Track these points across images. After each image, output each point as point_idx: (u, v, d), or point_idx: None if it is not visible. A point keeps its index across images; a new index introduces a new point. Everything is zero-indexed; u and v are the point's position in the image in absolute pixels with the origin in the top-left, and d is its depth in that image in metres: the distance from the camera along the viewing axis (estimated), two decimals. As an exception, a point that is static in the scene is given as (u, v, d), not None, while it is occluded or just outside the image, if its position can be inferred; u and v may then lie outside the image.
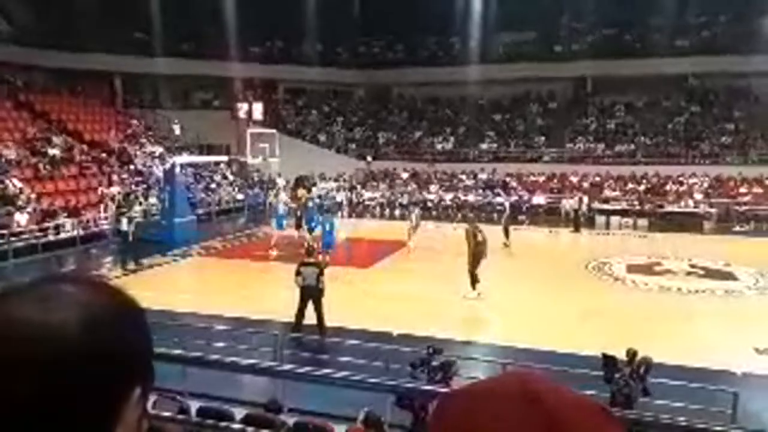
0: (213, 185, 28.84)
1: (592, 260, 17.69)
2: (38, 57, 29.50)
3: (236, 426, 4.29)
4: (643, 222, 25.08)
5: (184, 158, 25.05)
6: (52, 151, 24.25)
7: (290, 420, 6.00)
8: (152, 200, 23.89)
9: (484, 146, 33.53)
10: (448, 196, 29.03)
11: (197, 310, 12.42)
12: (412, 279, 15.49)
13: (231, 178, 30.43)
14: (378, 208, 29.05)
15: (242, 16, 31.99)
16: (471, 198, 28.63)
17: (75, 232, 20.01)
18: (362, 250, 17.67)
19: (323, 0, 33.53)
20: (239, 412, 5.75)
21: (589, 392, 6.90)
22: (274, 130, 26.40)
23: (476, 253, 13.55)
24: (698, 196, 26.52)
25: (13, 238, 18.27)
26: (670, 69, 32.04)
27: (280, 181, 30.64)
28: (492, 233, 17.78)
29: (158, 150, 28.64)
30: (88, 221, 20.90)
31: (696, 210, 25.62)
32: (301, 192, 22.77)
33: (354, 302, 13.01)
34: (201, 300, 13.45)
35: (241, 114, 29.72)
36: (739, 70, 30.60)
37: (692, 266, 16.93)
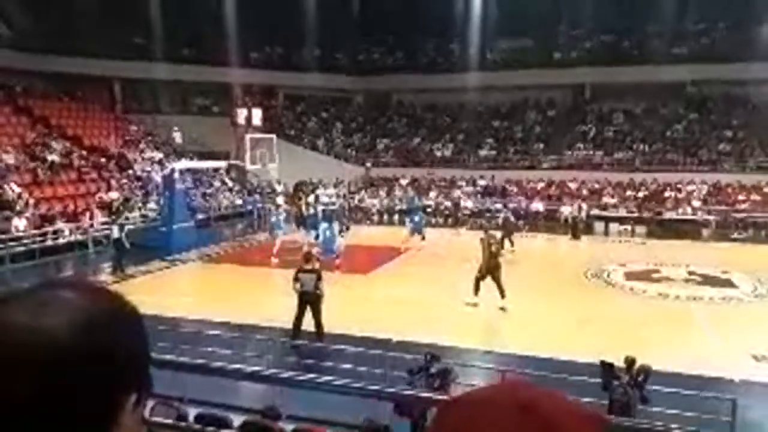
0: (212, 191, 28.85)
1: (591, 267, 17.69)
2: (38, 62, 29.54)
3: (234, 433, 4.28)
4: (641, 229, 25.11)
5: (183, 164, 25.07)
6: (51, 157, 24.26)
7: (288, 427, 5.99)
8: (151, 205, 23.90)
9: (482, 153, 33.59)
10: (447, 202, 29.11)
11: (195, 316, 12.39)
12: (412, 285, 15.48)
13: (230, 183, 30.44)
14: (377, 215, 29.07)
15: (242, 22, 32.10)
16: (470, 204, 28.67)
17: (73, 237, 20.00)
18: (362, 256, 17.66)
19: (323, 6, 33.64)
20: (237, 419, 5.74)
21: (587, 400, 6.93)
22: (273, 136, 26.44)
23: (489, 264, 13.43)
24: (696, 204, 26.55)
25: (11, 243, 18.26)
26: (669, 76, 32.17)
27: (279, 187, 30.67)
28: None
29: (157, 155, 28.66)
30: (86, 227, 20.86)
31: (694, 217, 25.65)
32: (309, 198, 22.83)
33: (353, 308, 12.99)
34: (199, 306, 13.43)
35: (241, 120, 29.79)
36: (737, 77, 30.73)
37: (690, 273, 16.92)
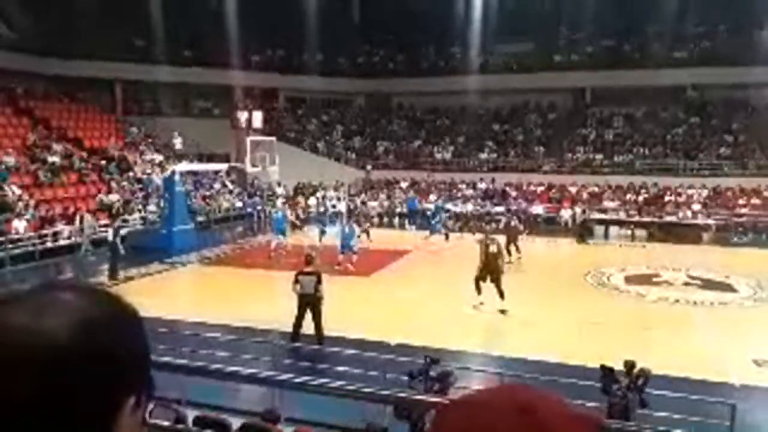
0: (212, 193, 28.88)
1: (591, 271, 17.69)
2: (38, 64, 29.62)
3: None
4: (641, 233, 25.11)
5: (184, 166, 25.09)
6: (51, 158, 24.29)
7: (287, 429, 5.98)
8: (151, 208, 23.92)
9: (483, 156, 33.62)
10: (449, 205, 29.13)
11: (195, 318, 12.40)
12: (412, 288, 15.49)
13: (230, 186, 30.47)
14: (377, 218, 29.08)
15: (243, 25, 32.15)
16: (470, 207, 28.68)
17: (72, 240, 20.00)
18: (363, 259, 17.66)
19: (324, 9, 33.71)
20: (236, 422, 5.73)
21: (586, 403, 6.91)
22: (273, 138, 26.45)
23: (487, 265, 13.50)
24: (697, 207, 26.55)
25: (11, 245, 18.28)
26: (669, 80, 32.25)
27: (280, 190, 30.72)
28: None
29: (158, 158, 28.69)
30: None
31: (694, 221, 25.66)
32: (310, 200, 23.05)
33: (353, 311, 13.00)
34: (199, 308, 13.43)
35: (241, 122, 29.82)
36: (737, 81, 30.77)
37: (690, 277, 16.92)
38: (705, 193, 27.98)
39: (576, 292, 15.51)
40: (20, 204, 20.24)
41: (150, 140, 30.98)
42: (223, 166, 28.64)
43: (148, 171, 27.16)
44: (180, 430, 5.29)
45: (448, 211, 25.97)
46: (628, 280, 16.81)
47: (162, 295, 14.87)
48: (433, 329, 11.77)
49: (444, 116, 37.35)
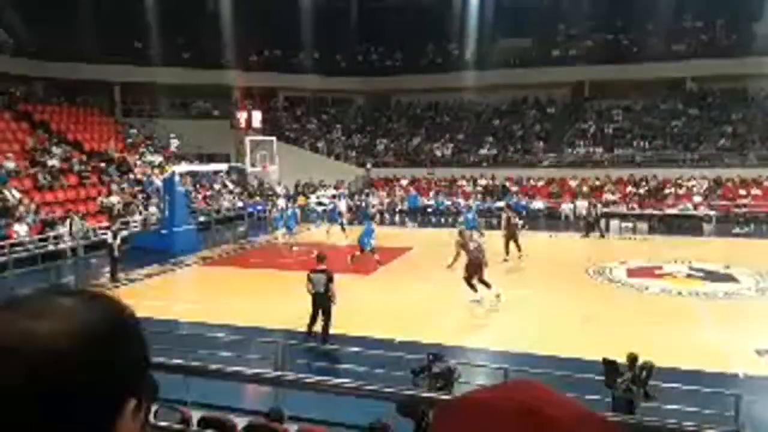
0: (213, 193, 28.86)
1: (593, 264, 17.67)
2: (38, 68, 29.59)
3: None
4: (642, 225, 25.07)
5: (184, 167, 25.06)
6: (51, 162, 24.27)
7: (292, 428, 5.98)
8: (152, 209, 23.91)
9: (483, 152, 33.57)
10: (448, 202, 29.15)
11: (196, 319, 12.40)
12: (414, 285, 15.48)
13: (230, 186, 30.45)
14: (378, 215, 29.05)
15: (241, 25, 32.10)
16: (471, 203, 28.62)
17: (74, 243, 19.98)
18: (364, 257, 17.63)
19: (322, 9, 33.65)
20: (241, 422, 5.74)
21: (590, 397, 6.90)
22: (273, 138, 26.43)
23: (472, 260, 13.54)
24: (697, 199, 26.52)
25: (16, 248, 18.28)
26: (668, 73, 32.19)
27: (280, 189, 30.70)
28: (496, 239, 17.91)
29: (158, 159, 28.67)
30: (88, 231, 20.83)
31: (695, 212, 25.63)
32: (310, 198, 23.26)
33: (356, 309, 12.98)
34: (200, 309, 13.42)
35: (241, 122, 29.79)
36: (735, 72, 30.71)
37: (692, 269, 16.90)
38: (705, 184, 27.94)
39: (578, 286, 15.49)
40: (21, 208, 20.23)
41: (149, 142, 30.95)
42: (223, 167, 28.62)
43: (148, 173, 27.14)
44: (185, 431, 5.29)
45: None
46: (631, 273, 16.79)
47: (163, 295, 14.87)
48: (435, 326, 11.77)
49: (443, 113, 37.30)
